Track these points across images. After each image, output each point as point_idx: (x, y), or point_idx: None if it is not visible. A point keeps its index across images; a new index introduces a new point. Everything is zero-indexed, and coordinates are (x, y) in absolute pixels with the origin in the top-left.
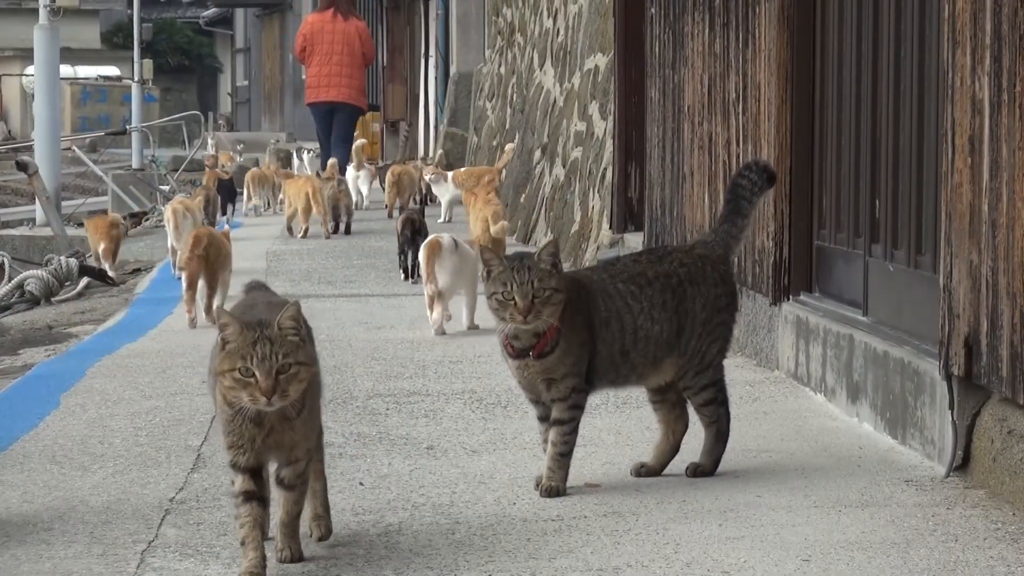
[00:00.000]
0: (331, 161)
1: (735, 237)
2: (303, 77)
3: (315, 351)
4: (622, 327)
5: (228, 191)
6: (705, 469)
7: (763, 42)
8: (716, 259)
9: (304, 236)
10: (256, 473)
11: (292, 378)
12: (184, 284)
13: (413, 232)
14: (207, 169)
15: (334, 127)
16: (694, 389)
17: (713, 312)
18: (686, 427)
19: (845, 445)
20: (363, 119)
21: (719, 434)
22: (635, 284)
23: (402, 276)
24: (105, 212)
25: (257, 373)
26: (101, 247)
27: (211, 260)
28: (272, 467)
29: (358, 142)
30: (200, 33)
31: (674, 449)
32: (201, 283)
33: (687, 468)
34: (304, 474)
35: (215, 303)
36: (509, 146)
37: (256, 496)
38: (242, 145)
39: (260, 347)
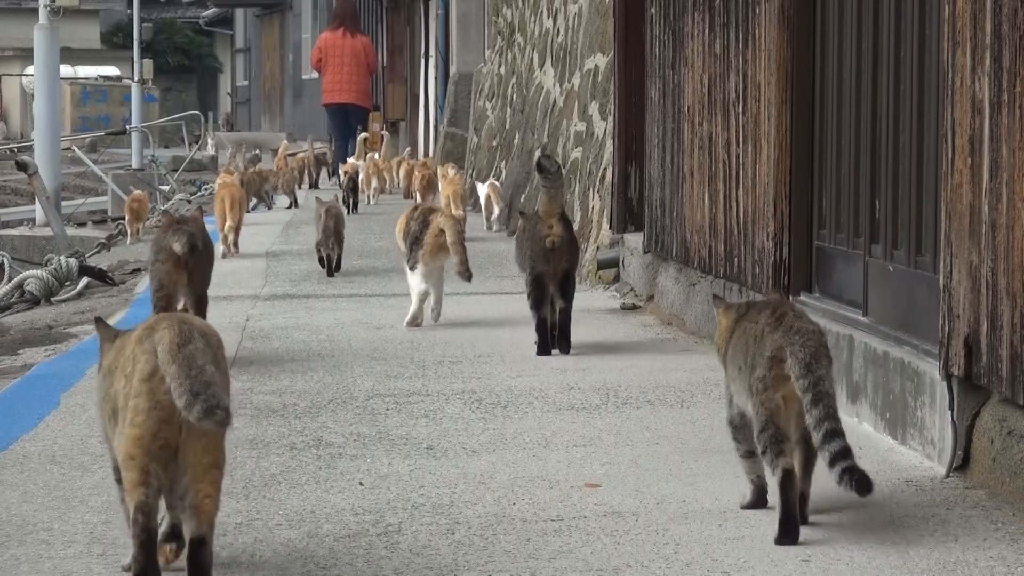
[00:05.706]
0: (369, 155)
1: None
2: (320, 83)
3: None
4: None
5: None
6: None
7: (763, 42)
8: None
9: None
10: None
11: None
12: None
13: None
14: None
15: (348, 125)
16: None
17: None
18: None
19: None
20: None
21: None
22: None
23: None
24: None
25: None
26: (126, 218)
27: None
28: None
29: (361, 135)
30: (200, 33)
31: None
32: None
33: None
34: None
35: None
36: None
37: None
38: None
39: None
